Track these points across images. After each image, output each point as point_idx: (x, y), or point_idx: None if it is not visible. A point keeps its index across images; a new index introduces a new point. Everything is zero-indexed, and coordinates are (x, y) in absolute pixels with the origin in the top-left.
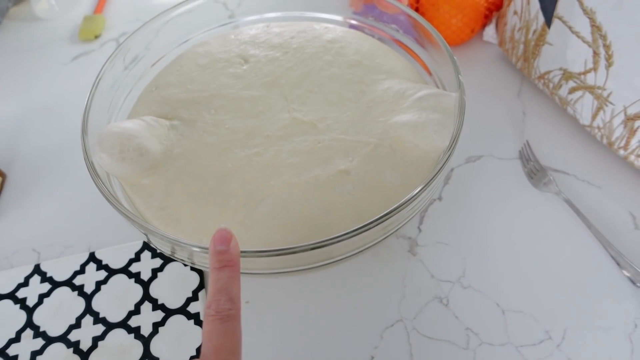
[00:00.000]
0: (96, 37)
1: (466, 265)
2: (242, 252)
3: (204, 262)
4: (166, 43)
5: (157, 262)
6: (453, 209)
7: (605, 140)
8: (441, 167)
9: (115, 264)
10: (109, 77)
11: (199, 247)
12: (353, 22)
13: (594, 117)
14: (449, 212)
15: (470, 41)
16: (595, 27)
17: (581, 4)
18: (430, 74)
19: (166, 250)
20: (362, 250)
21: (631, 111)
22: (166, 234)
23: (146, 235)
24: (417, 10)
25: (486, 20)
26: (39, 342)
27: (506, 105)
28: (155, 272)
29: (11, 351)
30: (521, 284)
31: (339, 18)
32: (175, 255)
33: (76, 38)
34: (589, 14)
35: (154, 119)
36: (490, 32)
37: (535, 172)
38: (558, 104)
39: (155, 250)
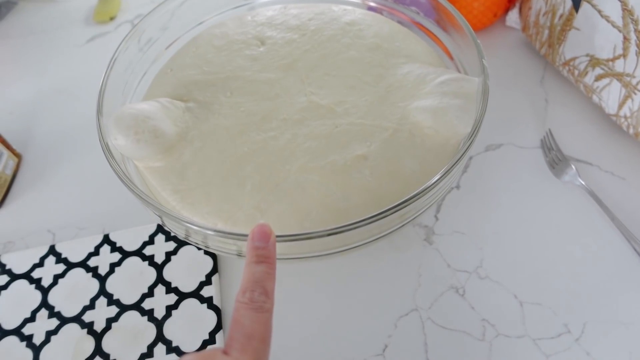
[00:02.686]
0: (111, 18)
1: (483, 256)
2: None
3: (218, 245)
4: (181, 25)
5: (171, 245)
6: (471, 198)
7: (632, 130)
8: (462, 154)
9: (130, 247)
10: (123, 59)
11: (214, 231)
12: (372, 4)
13: (620, 105)
14: (467, 201)
15: (492, 26)
16: (627, 11)
17: None
18: (451, 58)
19: (180, 233)
20: (378, 238)
21: None
22: (181, 217)
23: (160, 217)
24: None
25: (509, 4)
26: (54, 322)
27: (528, 93)
28: (169, 256)
29: (26, 330)
30: (540, 276)
31: (357, 0)
32: (190, 239)
33: (91, 20)
34: None
35: (169, 101)
36: (513, 17)
37: (557, 162)
38: (583, 91)
39: (169, 233)
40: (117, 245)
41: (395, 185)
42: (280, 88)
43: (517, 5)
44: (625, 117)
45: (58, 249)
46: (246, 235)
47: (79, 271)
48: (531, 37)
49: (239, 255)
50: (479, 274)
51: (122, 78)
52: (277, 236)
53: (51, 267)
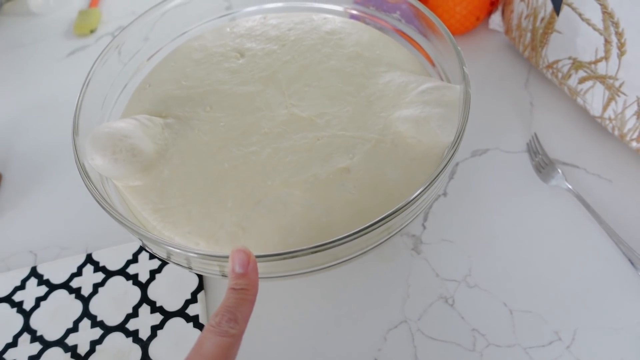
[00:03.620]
0: (92, 31)
1: (472, 264)
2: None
3: (201, 266)
4: (162, 36)
5: (155, 263)
6: (458, 205)
7: (617, 132)
8: (445, 164)
9: (113, 266)
10: (102, 74)
11: (194, 253)
12: (354, 11)
13: (605, 108)
14: (454, 209)
15: (475, 30)
16: (607, 14)
17: None
18: (433, 65)
19: (162, 254)
20: (365, 252)
21: None
22: (161, 240)
23: (141, 240)
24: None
25: (492, 7)
26: (36, 346)
27: (513, 96)
28: (153, 274)
29: (8, 356)
30: (529, 283)
31: (339, 8)
32: (172, 260)
33: (71, 33)
34: (600, 0)
35: (148, 118)
36: (496, 19)
37: (544, 165)
38: (567, 94)
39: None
40: (101, 264)
41: (379, 198)
42: (261, 101)
43: (500, 8)
44: (610, 119)
45: (40, 270)
46: (227, 257)
47: (61, 293)
48: (514, 40)
49: (223, 275)
50: (468, 282)
51: (100, 93)
52: (260, 256)
53: (33, 290)
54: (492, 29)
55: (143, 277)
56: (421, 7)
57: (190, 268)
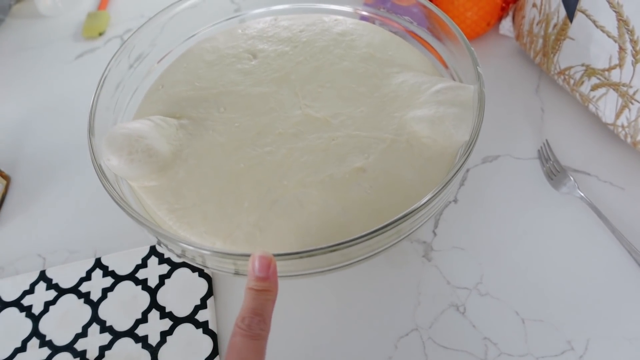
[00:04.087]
0: (100, 34)
1: (483, 271)
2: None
3: (217, 265)
4: (172, 39)
5: (165, 268)
6: (469, 212)
7: (629, 139)
8: (462, 163)
9: (122, 270)
10: (114, 76)
11: (212, 251)
12: (364, 13)
13: (618, 115)
14: (465, 215)
15: (486, 35)
16: (622, 22)
17: None
18: (446, 66)
19: (177, 252)
20: (380, 251)
21: None
22: (178, 238)
23: (157, 239)
24: (427, 19)
25: (502, 12)
26: (45, 351)
27: (524, 102)
28: (162, 279)
29: None
30: (541, 291)
31: (349, 9)
32: (186, 259)
33: (80, 35)
34: (615, 7)
35: (162, 119)
36: (506, 25)
37: (556, 172)
38: (579, 100)
39: (163, 255)
40: (110, 269)
41: (394, 198)
42: (275, 102)
43: (510, 13)
44: (623, 127)
45: (49, 274)
46: (246, 255)
47: (70, 297)
48: (525, 46)
49: (237, 273)
50: (480, 290)
51: (112, 95)
52: (279, 255)
53: (42, 294)
54: (503, 35)
55: (152, 282)
56: (434, 8)
57: (205, 266)
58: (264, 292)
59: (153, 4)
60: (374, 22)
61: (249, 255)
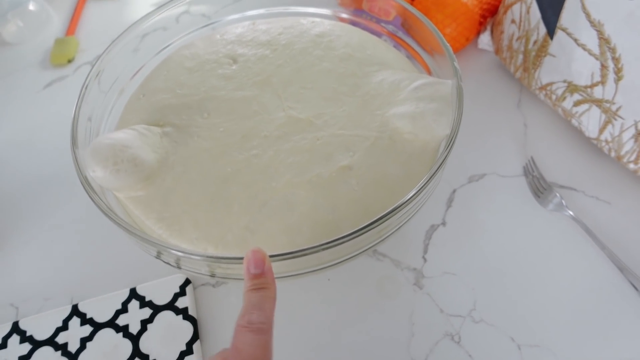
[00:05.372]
0: (69, 61)
1: (476, 297)
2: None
3: (194, 268)
4: (145, 53)
5: (146, 312)
6: (458, 235)
7: (613, 154)
8: (445, 157)
9: (101, 317)
10: (93, 89)
11: (205, 256)
12: (344, 15)
13: (601, 130)
14: (454, 239)
15: (465, 49)
16: (604, 40)
17: (588, 15)
18: (423, 63)
19: (171, 262)
20: (372, 246)
21: None
22: (171, 246)
23: (154, 249)
24: (404, 22)
25: (480, 27)
26: None
27: (506, 117)
28: (144, 324)
29: None
30: (535, 315)
31: (327, 12)
32: (181, 266)
33: (48, 63)
34: (596, 26)
35: (146, 127)
36: (485, 39)
37: (543, 190)
38: (561, 115)
39: (144, 298)
40: (88, 316)
41: (381, 193)
42: (258, 105)
43: (488, 28)
44: (607, 141)
45: (22, 325)
46: (239, 258)
47: (46, 350)
48: (505, 60)
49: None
50: (473, 317)
51: (92, 107)
52: (272, 256)
53: (15, 348)
54: (482, 49)
55: (134, 328)
56: (407, 5)
57: (213, 275)
58: (262, 289)
59: (122, 28)
60: (351, 23)
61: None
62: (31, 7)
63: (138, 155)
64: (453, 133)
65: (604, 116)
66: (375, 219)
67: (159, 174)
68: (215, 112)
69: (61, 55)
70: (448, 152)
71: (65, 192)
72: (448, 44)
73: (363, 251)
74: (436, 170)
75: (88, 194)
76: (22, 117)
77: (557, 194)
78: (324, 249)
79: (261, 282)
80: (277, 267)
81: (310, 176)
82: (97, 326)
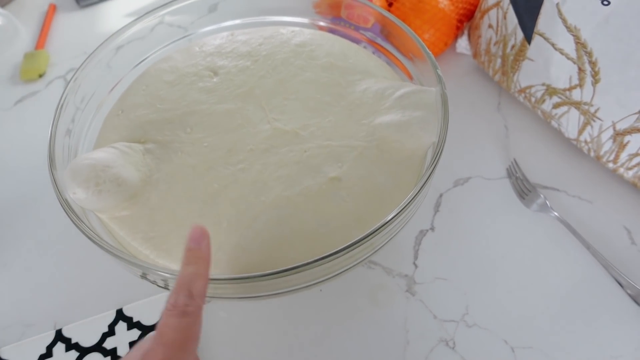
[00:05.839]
0: (40, 75)
1: (468, 301)
2: (243, 277)
3: (213, 291)
4: (121, 67)
5: (135, 333)
6: (447, 239)
7: (592, 154)
8: (434, 165)
9: (87, 342)
10: (69, 108)
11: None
12: (321, 23)
13: (580, 131)
14: (444, 243)
15: (443, 54)
16: (580, 44)
17: (564, 21)
18: (406, 70)
19: (159, 284)
20: (367, 257)
21: (620, 126)
22: (159, 268)
23: (141, 271)
24: (383, 29)
25: (458, 31)
26: None
27: (486, 120)
28: (133, 346)
29: None
30: (526, 316)
31: (304, 20)
32: (170, 287)
33: (18, 78)
34: (573, 31)
35: (126, 145)
36: (463, 43)
37: (527, 192)
38: (541, 117)
39: (132, 319)
40: (73, 341)
41: (371, 204)
42: (241, 118)
43: (466, 32)
44: (586, 142)
45: (3, 355)
46: (233, 279)
47: None
48: (483, 64)
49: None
50: (467, 321)
51: (68, 126)
52: (267, 274)
53: None
54: (460, 53)
55: (122, 351)
56: (387, 14)
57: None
58: (193, 265)
59: (95, 39)
60: (329, 31)
61: (235, 279)
62: None
63: (121, 174)
64: (440, 141)
65: (582, 118)
66: (371, 230)
67: (143, 192)
68: (198, 126)
69: (31, 69)
70: (437, 160)
71: (41, 213)
72: (430, 52)
73: (357, 264)
74: (427, 179)
75: (70, 217)
76: None
77: (541, 195)
78: (319, 265)
79: (194, 255)
80: (272, 284)
81: (300, 189)
82: (83, 351)
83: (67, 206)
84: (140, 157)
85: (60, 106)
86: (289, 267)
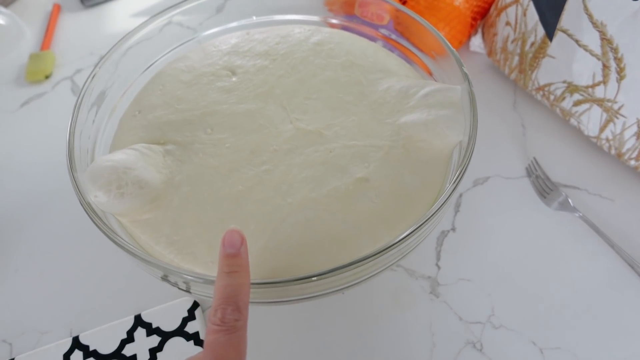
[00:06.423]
0: (47, 77)
1: (494, 302)
2: (274, 282)
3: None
4: (133, 68)
5: (155, 340)
6: (469, 240)
7: (614, 151)
8: (467, 164)
9: (105, 349)
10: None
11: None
12: (334, 21)
13: (602, 129)
14: (466, 244)
15: (457, 52)
16: (606, 40)
17: (590, 17)
18: (427, 70)
19: (183, 286)
20: (397, 261)
21: None
22: (184, 272)
23: (164, 275)
24: (398, 26)
25: (472, 29)
26: None
27: (503, 119)
28: (153, 353)
29: None
30: (553, 316)
31: (316, 19)
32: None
33: (23, 80)
34: (599, 27)
35: (146, 147)
36: (476, 42)
37: (548, 191)
38: (559, 115)
39: (151, 325)
40: (91, 348)
41: (401, 204)
42: (263, 118)
43: (480, 30)
44: (607, 139)
45: None
46: (262, 283)
47: None
48: (499, 63)
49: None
50: (493, 323)
51: (83, 128)
52: (300, 278)
53: None
54: (473, 51)
55: (142, 358)
56: (410, 12)
57: None
58: (235, 274)
59: (100, 39)
60: (347, 29)
61: (268, 283)
62: (1, 21)
63: (143, 176)
64: (471, 141)
65: (605, 115)
66: (409, 231)
67: (165, 195)
68: (219, 127)
69: (38, 71)
70: (469, 159)
71: (52, 217)
72: (454, 49)
73: (389, 265)
74: (460, 178)
75: (93, 220)
76: None
77: (563, 193)
78: (359, 266)
79: (235, 263)
80: (303, 288)
81: (327, 190)
82: (102, 358)
83: (90, 209)
84: (160, 158)
85: (76, 108)
86: (327, 270)
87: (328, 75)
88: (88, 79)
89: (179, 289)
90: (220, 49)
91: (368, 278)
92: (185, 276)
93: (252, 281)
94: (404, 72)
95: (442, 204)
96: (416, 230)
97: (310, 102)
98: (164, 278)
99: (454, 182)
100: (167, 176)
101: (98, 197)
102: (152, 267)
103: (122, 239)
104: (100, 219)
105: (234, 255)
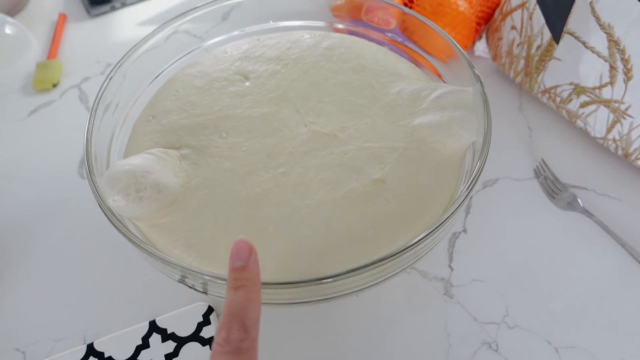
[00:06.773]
0: (54, 85)
1: (508, 302)
2: (294, 282)
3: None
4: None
5: (170, 345)
6: (481, 241)
7: (620, 152)
8: (483, 163)
9: (121, 355)
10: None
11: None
12: (340, 26)
13: (609, 130)
14: (478, 245)
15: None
16: (613, 42)
17: (598, 19)
18: (437, 73)
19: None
20: (413, 262)
21: None
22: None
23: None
24: (405, 30)
25: (476, 34)
26: None
27: (509, 122)
28: (169, 359)
29: None
30: (567, 316)
31: (321, 24)
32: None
33: (31, 89)
34: (606, 28)
35: (162, 151)
36: (481, 47)
37: (557, 191)
38: (565, 117)
39: (166, 331)
40: (106, 355)
41: (416, 205)
42: (277, 121)
43: (484, 35)
44: (614, 140)
45: None
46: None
47: None
48: (504, 66)
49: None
50: (508, 323)
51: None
52: (320, 279)
53: None
54: (478, 56)
55: None
56: (418, 16)
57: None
58: (242, 288)
59: (108, 48)
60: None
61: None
62: (7, 30)
63: (160, 180)
64: (486, 141)
65: (612, 116)
66: (429, 231)
67: (182, 198)
68: (234, 131)
69: (45, 79)
70: (485, 159)
71: (63, 223)
72: (464, 51)
73: (404, 268)
74: (476, 178)
75: (115, 226)
76: (5, 147)
77: (573, 194)
78: (377, 266)
79: (243, 277)
80: (322, 289)
81: (345, 191)
82: None
83: (110, 213)
84: (177, 162)
85: (91, 115)
86: (348, 269)
87: (340, 79)
88: (102, 87)
89: (196, 290)
90: (232, 54)
91: (386, 279)
92: (204, 276)
93: (272, 281)
94: (414, 75)
95: (465, 199)
96: (435, 230)
97: (324, 105)
98: (182, 280)
99: (472, 180)
100: (183, 180)
101: (116, 202)
102: (171, 268)
103: (142, 240)
104: (120, 222)
105: (241, 269)
